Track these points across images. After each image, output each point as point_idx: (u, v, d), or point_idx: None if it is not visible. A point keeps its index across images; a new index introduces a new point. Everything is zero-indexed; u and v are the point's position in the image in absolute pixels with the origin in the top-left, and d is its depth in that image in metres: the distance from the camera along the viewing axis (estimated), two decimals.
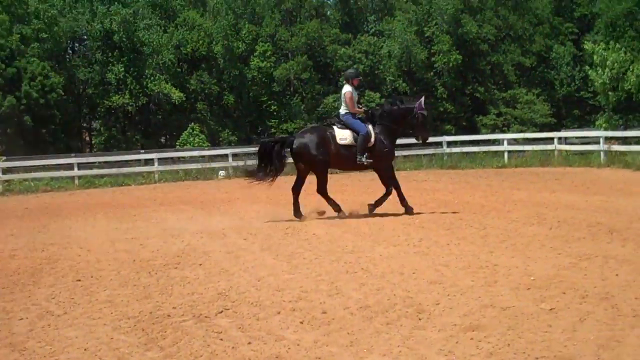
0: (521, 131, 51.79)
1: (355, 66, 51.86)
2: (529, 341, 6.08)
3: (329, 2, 70.11)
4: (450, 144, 33.59)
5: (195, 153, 35.32)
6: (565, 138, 33.37)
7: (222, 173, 31.17)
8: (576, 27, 70.94)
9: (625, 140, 31.11)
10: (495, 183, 21.79)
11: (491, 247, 10.42)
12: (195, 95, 57.80)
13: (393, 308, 7.31)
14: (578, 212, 13.78)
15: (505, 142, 33.18)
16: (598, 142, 29.26)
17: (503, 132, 52.40)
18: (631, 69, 36.17)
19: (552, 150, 31.07)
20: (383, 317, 7.03)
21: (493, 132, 53.48)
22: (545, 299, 7.34)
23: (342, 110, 14.74)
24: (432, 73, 61.89)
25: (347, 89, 14.81)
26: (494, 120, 60.60)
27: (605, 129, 35.82)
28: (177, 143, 50.80)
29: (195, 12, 60.63)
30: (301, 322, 7.01)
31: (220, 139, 55.96)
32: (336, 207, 14.54)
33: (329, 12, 69.22)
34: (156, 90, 53.31)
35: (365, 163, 14.42)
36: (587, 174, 24.30)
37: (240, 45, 58.75)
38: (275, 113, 59.67)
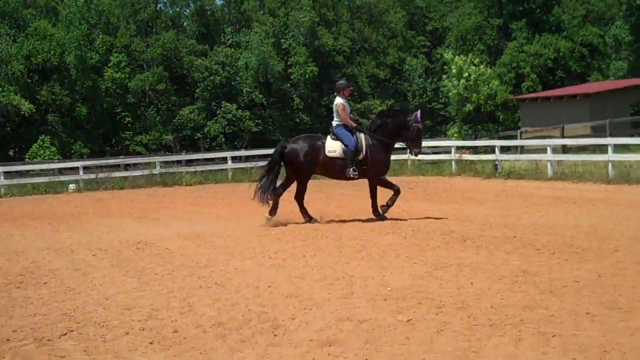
0: None
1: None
2: (387, 355, 5.93)
3: (185, 13, 69.28)
4: None
5: (44, 166, 33.80)
6: None
7: (72, 186, 29.93)
8: (428, 40, 73.26)
9: (475, 150, 32.12)
10: (351, 192, 21.85)
11: (347, 257, 10.31)
12: (46, 107, 55.63)
13: (248, 324, 7.01)
14: (432, 221, 13.94)
15: None
16: (449, 152, 30.07)
17: None
18: (484, 81, 37.55)
19: (405, 160, 31.65)
20: (237, 335, 6.72)
21: None
22: (402, 310, 7.23)
23: (335, 122, 14.69)
24: (288, 84, 62.19)
25: (338, 100, 14.73)
26: None
27: (456, 139, 36.89)
28: (26, 156, 48.67)
29: (47, 22, 58.43)
30: (151, 343, 6.60)
31: (72, 151, 54.08)
32: (306, 218, 14.71)
33: (185, 23, 68.44)
34: (4, 102, 50.80)
35: (351, 176, 14.45)
36: (439, 182, 24.85)
37: (93, 56, 57.16)
38: (129, 125, 58.35)
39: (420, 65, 69.35)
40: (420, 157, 31.58)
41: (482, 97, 40.73)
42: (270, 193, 14.54)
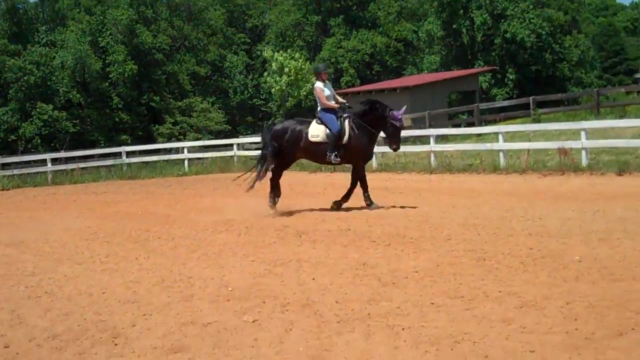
0: (197, 139, 52.16)
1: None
2: (236, 359, 5.66)
3: None
4: (129, 154, 32.63)
5: None
6: (243, 144, 33.89)
7: None
8: (248, 37, 73.25)
9: None
10: (178, 191, 21.37)
11: (183, 258, 9.94)
12: None
13: (85, 335, 6.53)
14: (264, 217, 13.76)
15: (186, 150, 32.97)
16: None
17: (179, 140, 52.38)
18: (304, 76, 37.95)
19: (232, 157, 31.39)
20: (75, 347, 6.23)
21: (170, 140, 53.36)
22: (246, 310, 6.98)
23: (319, 107, 14.50)
24: (107, 83, 60.29)
25: (316, 85, 14.60)
26: (170, 129, 60.48)
27: None
28: None
29: None
30: None
31: None
32: (271, 200, 14.70)
33: None
34: None
35: (333, 161, 14.26)
36: (266, 178, 24.65)
37: None
38: None
39: (241, 62, 69.31)
40: (245, 153, 31.76)
41: (303, 93, 41.16)
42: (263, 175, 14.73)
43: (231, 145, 33.14)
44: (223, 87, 68.93)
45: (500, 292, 7.02)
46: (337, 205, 14.25)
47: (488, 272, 7.86)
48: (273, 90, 38.45)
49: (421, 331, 6.03)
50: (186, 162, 31.94)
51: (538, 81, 62.99)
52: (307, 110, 55.52)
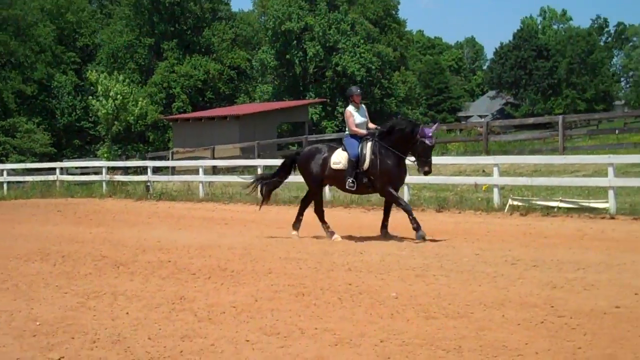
0: (20, 161, 49.93)
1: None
2: None
3: None
4: None
5: None
6: (67, 168, 32.68)
7: None
8: (78, 57, 71.10)
9: (126, 170, 31.52)
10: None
11: None
12: None
13: None
14: (83, 245, 13.25)
15: (5, 173, 31.36)
16: (100, 172, 29.25)
17: (1, 161, 49.89)
18: (133, 100, 37.21)
19: (54, 181, 30.15)
20: None
21: None
22: (53, 346, 6.63)
23: (346, 132, 14.01)
24: None
25: (348, 108, 13.83)
26: None
27: (107, 159, 36.07)
28: None
29: None
30: None
31: None
32: (327, 231, 13.81)
33: None
34: None
35: (348, 188, 13.54)
36: (89, 204, 23.91)
37: None
38: None
39: (70, 82, 67.12)
40: (69, 177, 30.65)
41: (132, 117, 40.31)
42: (268, 190, 14.58)
43: (54, 169, 31.82)
44: (50, 108, 66.46)
45: (316, 328, 7.02)
46: (382, 234, 13.45)
47: (306, 308, 7.86)
48: (100, 113, 37.42)
49: None
50: (5, 185, 30.38)
51: None
52: (135, 134, 54.46)
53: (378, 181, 13.19)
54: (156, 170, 30.45)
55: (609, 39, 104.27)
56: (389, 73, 70.92)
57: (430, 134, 12.81)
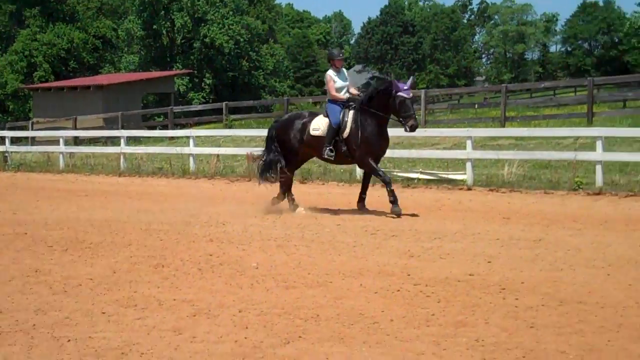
0: None
1: None
2: None
3: None
4: None
5: None
6: None
7: None
8: None
9: None
10: None
11: None
12: None
13: None
14: None
15: None
16: None
17: None
18: None
19: None
20: None
21: None
22: None
23: (327, 97, 12.99)
24: None
25: (328, 72, 12.93)
26: None
27: None
28: None
29: None
30: None
31: None
32: (280, 197, 13.15)
33: None
34: None
35: (327, 157, 12.64)
36: None
37: None
38: None
39: None
40: None
41: None
42: (275, 169, 12.90)
43: None
44: None
45: (174, 300, 6.94)
46: (359, 208, 12.77)
47: (165, 279, 7.76)
48: None
49: (88, 343, 5.76)
50: None
51: (234, 87, 64.54)
52: None
53: (357, 151, 12.39)
54: (15, 141, 29.31)
55: (472, 16, 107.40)
56: (258, 46, 70.61)
57: (406, 87, 12.06)
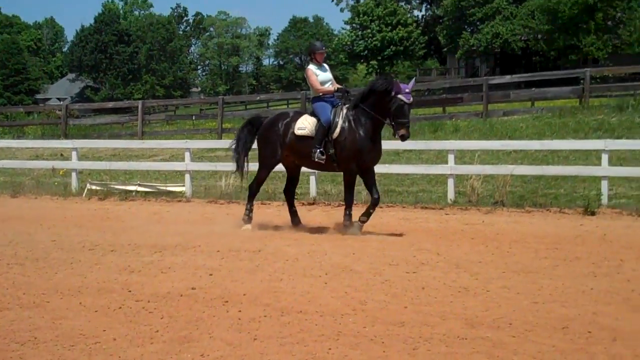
0: None
1: None
2: None
3: None
4: None
5: None
6: None
7: None
8: None
9: None
10: None
11: None
12: None
13: None
14: None
15: None
16: None
17: None
18: None
19: None
20: None
21: None
22: None
23: (311, 94, 11.62)
24: None
25: (308, 66, 11.63)
26: None
27: None
28: None
29: None
30: None
31: None
32: (246, 214, 11.87)
33: None
34: None
35: (317, 159, 11.02)
36: None
37: None
38: None
39: None
40: None
41: None
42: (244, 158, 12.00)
43: None
44: None
45: None
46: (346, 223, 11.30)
47: None
48: None
49: None
50: None
51: None
52: None
53: (344, 154, 11.06)
54: None
55: (188, 27, 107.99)
56: None
57: (407, 90, 10.76)
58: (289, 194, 12.04)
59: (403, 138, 10.71)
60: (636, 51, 52.66)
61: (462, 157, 15.75)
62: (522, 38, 60.94)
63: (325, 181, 16.63)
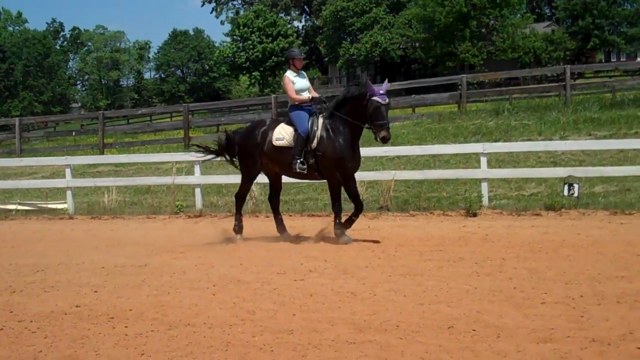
0: None
1: None
2: None
3: None
4: None
5: None
6: None
7: None
8: None
9: None
10: None
11: None
12: None
13: None
14: None
15: None
16: None
17: None
18: None
19: None
20: None
21: None
22: None
23: (289, 103, 11.40)
24: None
25: (286, 74, 11.41)
26: None
27: None
28: None
29: None
30: None
31: None
32: (236, 225, 11.53)
33: None
34: None
35: (298, 170, 10.83)
36: None
37: None
38: None
39: None
40: None
41: None
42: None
43: None
44: None
45: None
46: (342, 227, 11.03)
47: None
48: None
49: None
50: None
51: None
52: None
53: (325, 163, 10.85)
54: None
55: (65, 42, 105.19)
56: None
57: (382, 91, 10.64)
58: (274, 202, 11.73)
59: (384, 140, 10.62)
60: (509, 57, 54.73)
61: None
62: (401, 46, 62.34)
63: (211, 193, 16.53)
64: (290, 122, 11.12)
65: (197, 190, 15.22)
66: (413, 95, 30.61)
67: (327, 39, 67.77)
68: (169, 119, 46.03)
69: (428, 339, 5.97)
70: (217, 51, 77.41)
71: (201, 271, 9.08)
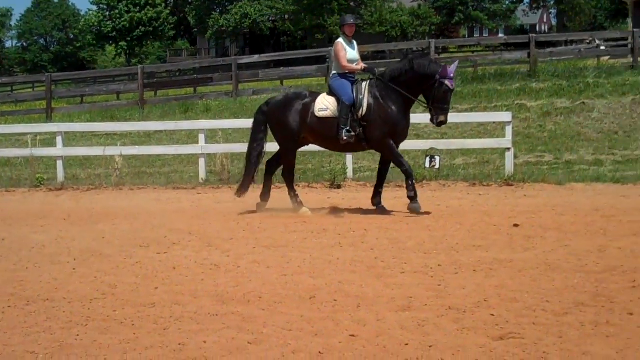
0: None
1: None
2: None
3: None
4: None
5: None
6: None
7: None
8: None
9: None
10: None
11: None
12: None
13: None
14: None
15: None
16: None
17: None
18: None
19: None
20: None
21: None
22: None
23: (333, 72, 10.77)
24: None
25: (338, 40, 10.73)
26: None
27: None
28: None
29: None
30: None
31: None
32: (295, 203, 10.85)
33: None
34: None
35: (345, 139, 10.25)
36: None
37: None
38: None
39: None
40: None
41: None
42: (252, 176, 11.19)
43: None
44: None
45: None
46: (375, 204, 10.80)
47: None
48: None
49: None
50: None
51: None
52: None
53: (376, 132, 10.36)
54: None
55: None
56: None
57: (452, 74, 10.20)
58: (272, 166, 11.32)
59: (441, 124, 10.56)
60: (377, 31, 55.60)
61: (214, 136, 15.76)
62: (270, 18, 62.27)
63: (74, 166, 16.11)
64: (331, 93, 10.70)
65: (59, 163, 14.80)
66: (282, 68, 30.68)
67: (196, 10, 66.86)
68: (30, 89, 44.25)
69: (290, 310, 6.06)
70: (83, 20, 74.96)
71: (62, 245, 8.87)
